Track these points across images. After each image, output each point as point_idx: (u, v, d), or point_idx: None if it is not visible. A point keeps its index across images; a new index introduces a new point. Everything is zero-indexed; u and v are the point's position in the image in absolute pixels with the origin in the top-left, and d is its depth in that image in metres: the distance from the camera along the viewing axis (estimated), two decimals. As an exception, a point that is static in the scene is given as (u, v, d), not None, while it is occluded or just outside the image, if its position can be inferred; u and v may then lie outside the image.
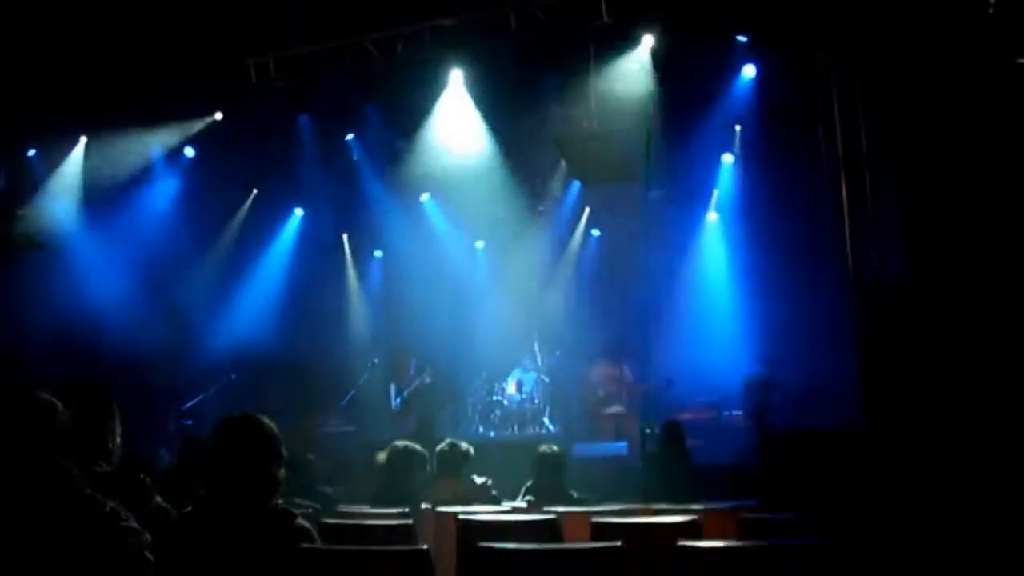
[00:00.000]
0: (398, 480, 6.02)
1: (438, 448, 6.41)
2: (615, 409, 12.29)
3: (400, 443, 6.35)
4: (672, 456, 8.40)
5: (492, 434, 13.06)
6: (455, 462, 6.23)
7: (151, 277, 12.80)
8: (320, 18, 10.53)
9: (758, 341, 12.59)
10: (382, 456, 6.20)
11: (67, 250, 12.37)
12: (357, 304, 15.52)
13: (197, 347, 12.88)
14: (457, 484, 6.02)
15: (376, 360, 13.42)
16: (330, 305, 15.04)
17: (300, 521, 3.21)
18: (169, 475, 4.84)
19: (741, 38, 10.23)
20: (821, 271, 10.41)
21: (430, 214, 15.20)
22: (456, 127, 12.35)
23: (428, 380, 12.52)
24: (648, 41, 10.06)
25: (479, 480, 6.14)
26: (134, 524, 2.59)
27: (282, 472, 3.18)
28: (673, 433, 8.56)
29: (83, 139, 12.20)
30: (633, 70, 10.45)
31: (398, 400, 12.44)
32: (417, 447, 6.27)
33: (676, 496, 7.90)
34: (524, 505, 5.93)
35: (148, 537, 2.64)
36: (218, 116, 11.83)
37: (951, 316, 8.49)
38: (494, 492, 6.05)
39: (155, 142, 12.18)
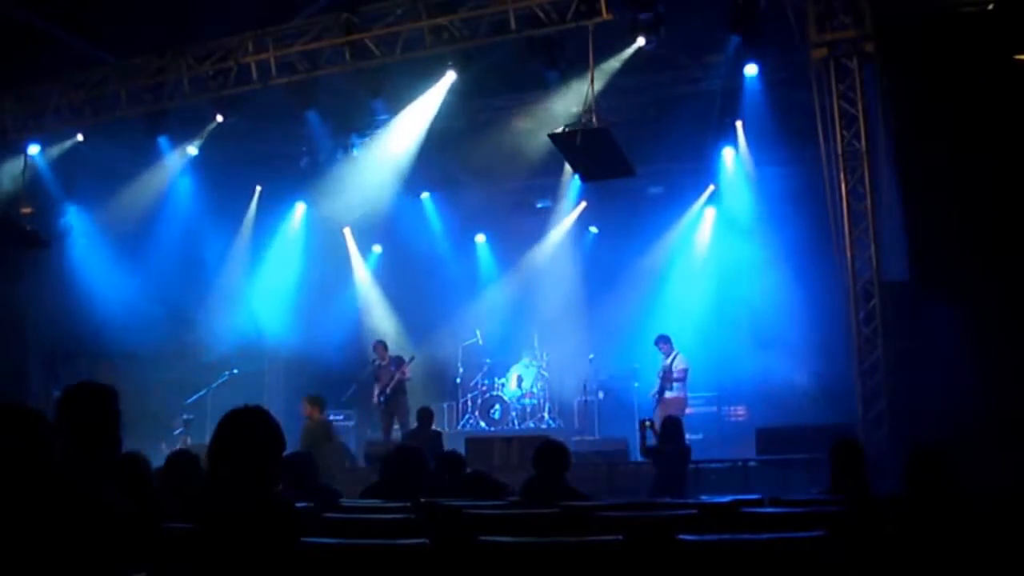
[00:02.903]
0: (399, 476, 6.04)
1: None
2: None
3: (402, 441, 6.40)
4: (671, 450, 8.43)
5: (492, 429, 13.08)
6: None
7: (154, 272, 12.82)
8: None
9: (756, 336, 12.62)
10: (385, 453, 6.23)
11: (70, 247, 12.40)
12: (358, 299, 15.56)
13: (199, 342, 12.90)
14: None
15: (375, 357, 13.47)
16: (332, 300, 15.07)
17: (301, 514, 3.23)
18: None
19: (738, 37, 10.23)
20: (820, 269, 10.42)
21: (431, 210, 15.25)
22: (455, 125, 12.36)
23: (408, 376, 12.46)
24: (648, 39, 10.07)
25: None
26: (129, 507, 2.63)
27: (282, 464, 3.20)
28: (672, 428, 8.58)
29: (80, 136, 12.19)
30: (632, 67, 10.47)
31: (381, 399, 12.41)
32: (417, 446, 6.30)
33: (675, 489, 7.93)
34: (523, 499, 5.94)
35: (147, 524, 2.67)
36: (219, 118, 11.80)
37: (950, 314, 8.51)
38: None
39: (158, 140, 12.16)
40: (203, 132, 12.32)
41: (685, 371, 11.89)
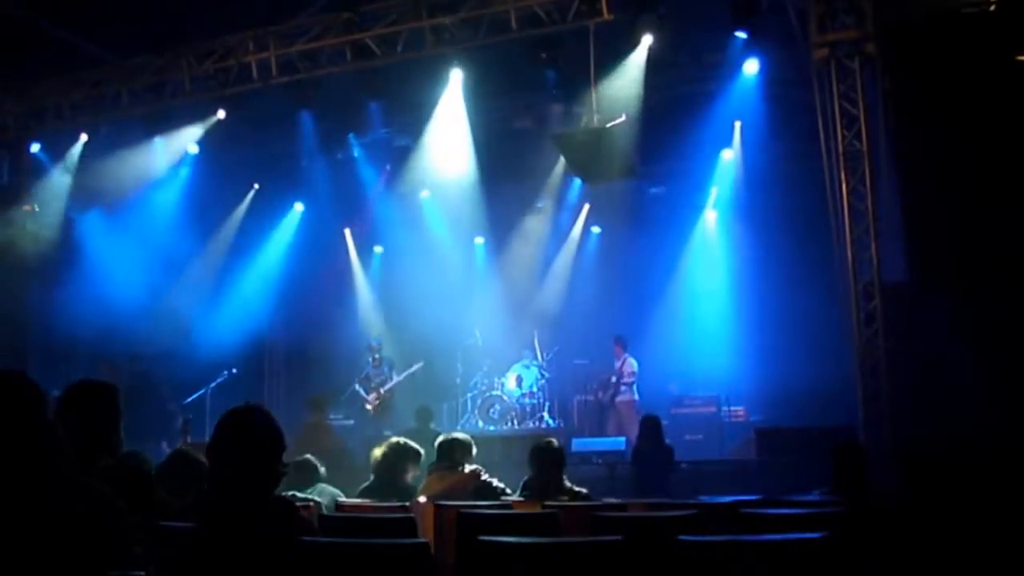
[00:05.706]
0: (392, 475, 6.04)
1: (438, 440, 6.45)
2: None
3: (395, 439, 6.38)
4: (650, 449, 8.45)
5: (491, 429, 13.07)
6: (453, 454, 6.26)
7: (154, 273, 12.82)
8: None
9: (757, 337, 12.62)
10: (378, 452, 6.23)
11: (70, 247, 12.39)
12: (357, 299, 15.57)
13: (198, 342, 12.90)
14: (451, 475, 6.04)
15: (376, 357, 13.47)
16: (330, 300, 15.07)
17: (301, 513, 3.23)
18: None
19: (741, 34, 10.24)
20: (820, 269, 10.41)
21: (430, 210, 15.24)
22: (456, 125, 12.37)
23: (400, 378, 12.52)
24: (648, 38, 10.08)
25: (469, 468, 6.15)
26: (122, 504, 2.63)
27: (283, 464, 3.20)
28: (650, 427, 8.59)
29: (84, 136, 12.19)
30: (633, 67, 10.47)
31: (377, 400, 12.42)
32: (411, 443, 6.28)
33: (655, 487, 7.92)
34: (522, 499, 5.93)
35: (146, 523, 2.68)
36: (221, 115, 11.81)
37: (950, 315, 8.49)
38: (484, 476, 6.06)
39: (158, 139, 12.16)
40: (204, 130, 12.33)
41: (634, 374, 11.98)
